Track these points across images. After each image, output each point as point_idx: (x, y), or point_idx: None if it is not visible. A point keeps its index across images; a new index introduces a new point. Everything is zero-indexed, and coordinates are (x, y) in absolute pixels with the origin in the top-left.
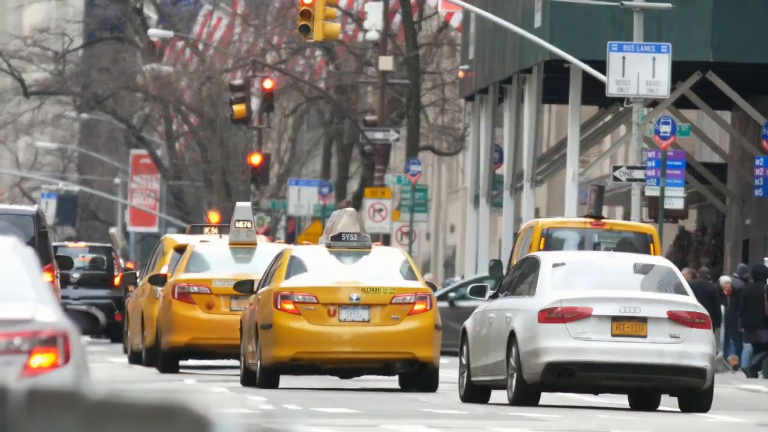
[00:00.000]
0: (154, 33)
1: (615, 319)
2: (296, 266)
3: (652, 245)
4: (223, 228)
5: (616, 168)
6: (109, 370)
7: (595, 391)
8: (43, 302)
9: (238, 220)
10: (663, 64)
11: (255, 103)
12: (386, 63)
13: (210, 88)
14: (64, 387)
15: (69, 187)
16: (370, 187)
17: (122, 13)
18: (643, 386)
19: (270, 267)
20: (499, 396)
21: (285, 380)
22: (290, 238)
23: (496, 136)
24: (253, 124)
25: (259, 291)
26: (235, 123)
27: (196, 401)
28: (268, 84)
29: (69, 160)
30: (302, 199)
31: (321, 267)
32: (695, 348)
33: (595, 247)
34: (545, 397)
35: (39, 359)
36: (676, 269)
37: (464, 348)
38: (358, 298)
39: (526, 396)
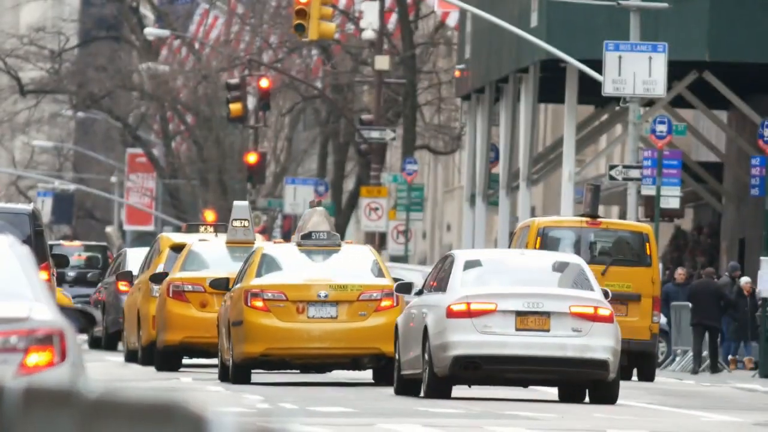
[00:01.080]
0: (151, 32)
1: (519, 314)
2: (267, 264)
3: (648, 244)
4: (219, 227)
5: (612, 167)
6: (105, 369)
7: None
8: (39, 301)
9: (236, 219)
10: (659, 63)
11: (251, 101)
12: (382, 62)
13: (206, 86)
14: (61, 385)
15: (65, 186)
16: (366, 186)
17: (118, 12)
18: (547, 378)
19: (243, 265)
20: None
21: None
22: (286, 237)
23: (493, 135)
24: (250, 123)
25: (232, 289)
26: (231, 122)
27: (193, 399)
28: (264, 83)
29: (65, 158)
30: (298, 197)
31: (291, 265)
32: (597, 341)
33: (591, 246)
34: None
35: (35, 357)
36: (585, 266)
37: (396, 342)
38: (326, 296)
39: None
